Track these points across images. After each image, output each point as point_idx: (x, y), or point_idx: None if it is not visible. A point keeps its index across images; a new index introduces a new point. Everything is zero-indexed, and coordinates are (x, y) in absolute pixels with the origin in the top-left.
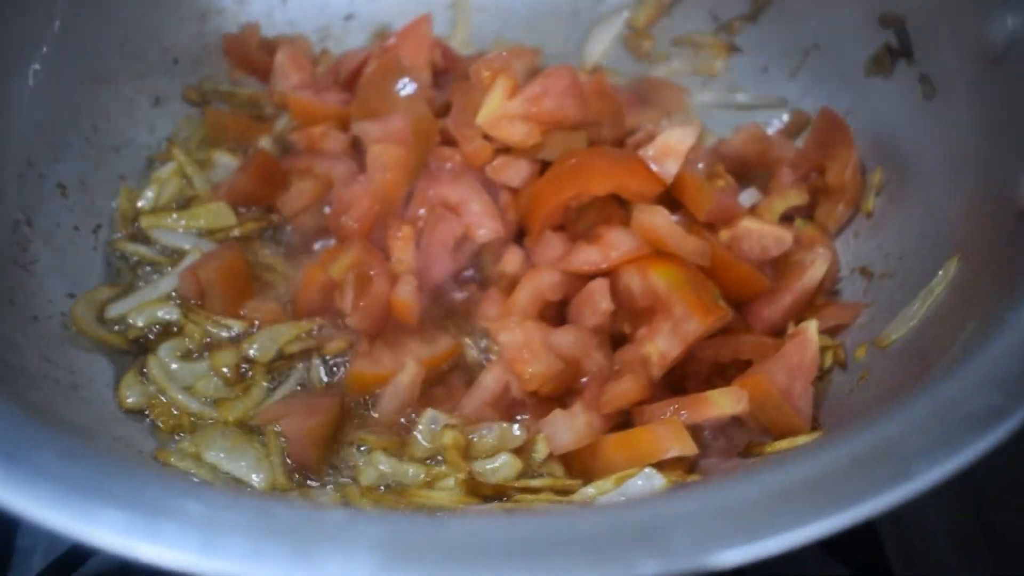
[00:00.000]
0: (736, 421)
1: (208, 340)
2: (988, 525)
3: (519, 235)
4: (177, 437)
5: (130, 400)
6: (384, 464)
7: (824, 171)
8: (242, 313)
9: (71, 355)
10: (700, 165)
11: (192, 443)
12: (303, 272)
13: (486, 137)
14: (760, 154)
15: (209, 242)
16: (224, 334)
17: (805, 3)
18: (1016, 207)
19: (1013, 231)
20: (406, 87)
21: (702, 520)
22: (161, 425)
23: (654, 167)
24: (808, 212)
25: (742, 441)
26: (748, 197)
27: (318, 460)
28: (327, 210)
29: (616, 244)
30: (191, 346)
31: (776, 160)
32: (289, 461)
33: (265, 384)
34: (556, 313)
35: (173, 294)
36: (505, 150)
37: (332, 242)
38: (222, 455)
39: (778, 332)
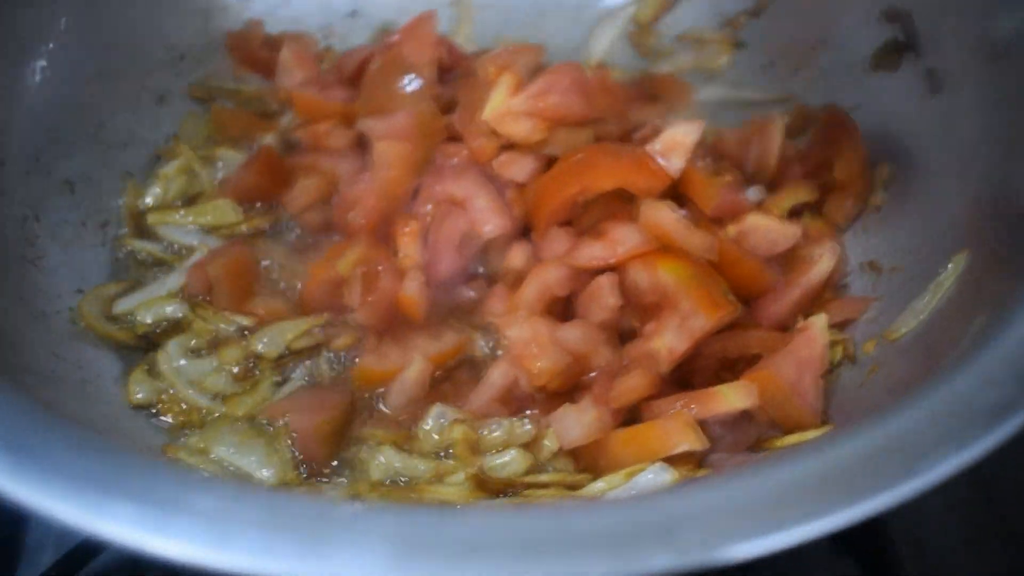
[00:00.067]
0: (745, 416)
1: (215, 336)
2: (999, 520)
3: (525, 231)
4: (185, 433)
5: (138, 396)
6: (392, 459)
7: (831, 166)
8: (249, 309)
9: (79, 351)
10: (706, 160)
11: (201, 438)
12: (309, 268)
13: (492, 133)
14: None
15: (215, 238)
16: (231, 330)
17: None
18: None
19: (1022, 224)
20: (411, 84)
21: (714, 514)
22: (170, 420)
23: (660, 162)
24: (816, 207)
25: (751, 436)
26: (751, 195)
27: (327, 455)
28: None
29: (623, 239)
30: (199, 342)
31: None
32: (298, 456)
33: (273, 380)
34: (563, 308)
35: (180, 290)
36: (510, 146)
37: (338, 238)
38: (231, 450)
39: (786, 327)
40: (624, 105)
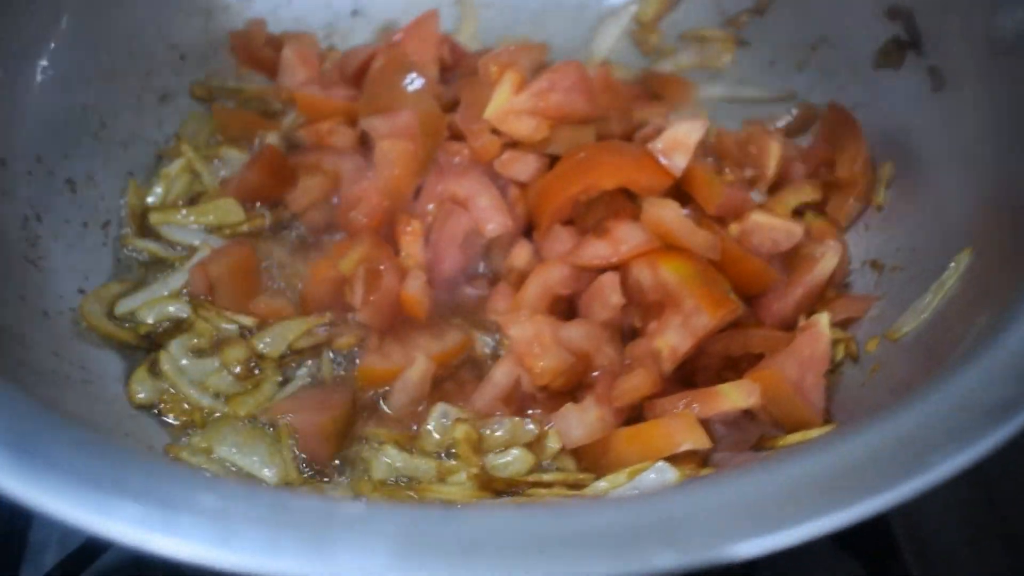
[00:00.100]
0: (748, 415)
1: (218, 336)
2: (1001, 520)
3: (528, 230)
4: (188, 433)
5: (140, 396)
6: (395, 459)
7: (834, 165)
8: (251, 309)
9: (81, 351)
10: (709, 158)
11: (203, 438)
12: (312, 267)
13: (494, 132)
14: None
15: (218, 238)
16: (234, 330)
17: None
18: None
19: None
20: (414, 82)
21: (716, 514)
22: (172, 420)
23: (663, 161)
24: (818, 205)
25: (754, 435)
26: (753, 195)
27: (329, 455)
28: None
29: (626, 238)
30: (201, 342)
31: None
32: (300, 456)
33: (276, 379)
34: (566, 307)
35: (183, 290)
36: (513, 145)
37: (341, 237)
38: (233, 450)
39: (789, 326)
40: (627, 104)
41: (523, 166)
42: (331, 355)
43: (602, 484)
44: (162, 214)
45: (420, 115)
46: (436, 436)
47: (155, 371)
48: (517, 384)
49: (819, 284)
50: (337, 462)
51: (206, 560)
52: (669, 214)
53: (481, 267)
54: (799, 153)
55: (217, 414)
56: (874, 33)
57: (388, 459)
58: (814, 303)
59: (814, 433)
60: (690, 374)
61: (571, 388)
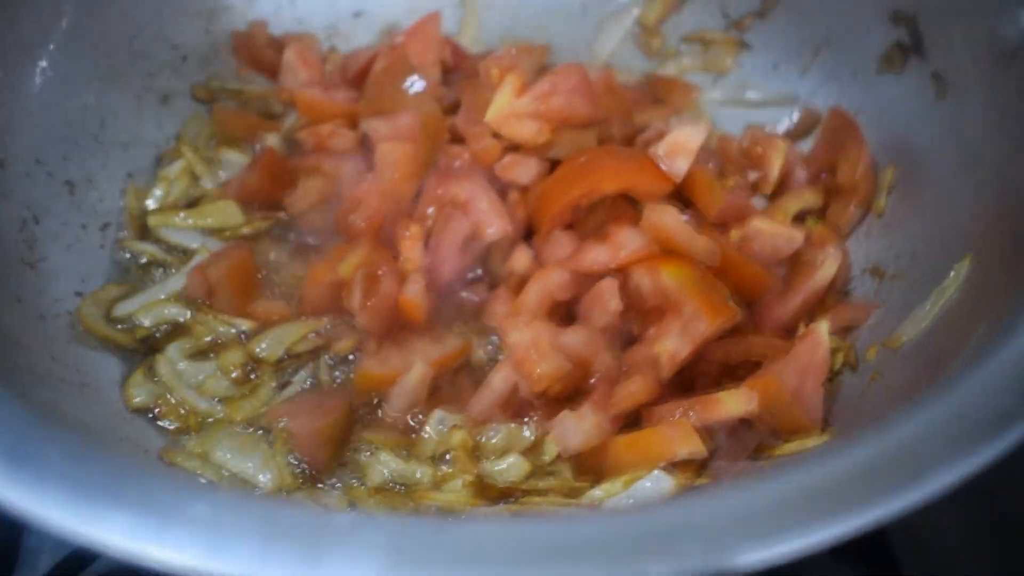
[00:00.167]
0: (746, 422)
1: (216, 339)
2: (999, 525)
3: (528, 234)
4: (184, 437)
5: (137, 399)
6: (392, 464)
7: (835, 170)
8: (250, 312)
9: (78, 354)
10: (711, 163)
11: (199, 442)
12: (311, 271)
13: (495, 135)
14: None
15: (217, 241)
16: (232, 333)
17: (816, 0)
18: None
19: None
20: (415, 85)
21: (714, 524)
22: (168, 425)
23: (664, 166)
24: (819, 211)
25: (752, 442)
26: (754, 201)
27: (326, 460)
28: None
29: (625, 243)
30: (199, 345)
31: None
32: (296, 461)
33: (273, 384)
34: (565, 312)
35: (181, 293)
36: (514, 148)
37: (340, 240)
38: (229, 455)
39: (788, 332)
40: (628, 107)
41: (524, 170)
42: (329, 359)
43: (598, 492)
44: (161, 216)
45: (421, 118)
46: (433, 442)
47: (152, 375)
48: (515, 390)
49: (819, 291)
50: (334, 467)
51: (198, 570)
52: (669, 219)
53: (480, 271)
54: (800, 158)
55: (213, 419)
56: (877, 38)
57: (384, 465)
58: (814, 310)
59: (812, 442)
60: (688, 380)
61: (569, 394)
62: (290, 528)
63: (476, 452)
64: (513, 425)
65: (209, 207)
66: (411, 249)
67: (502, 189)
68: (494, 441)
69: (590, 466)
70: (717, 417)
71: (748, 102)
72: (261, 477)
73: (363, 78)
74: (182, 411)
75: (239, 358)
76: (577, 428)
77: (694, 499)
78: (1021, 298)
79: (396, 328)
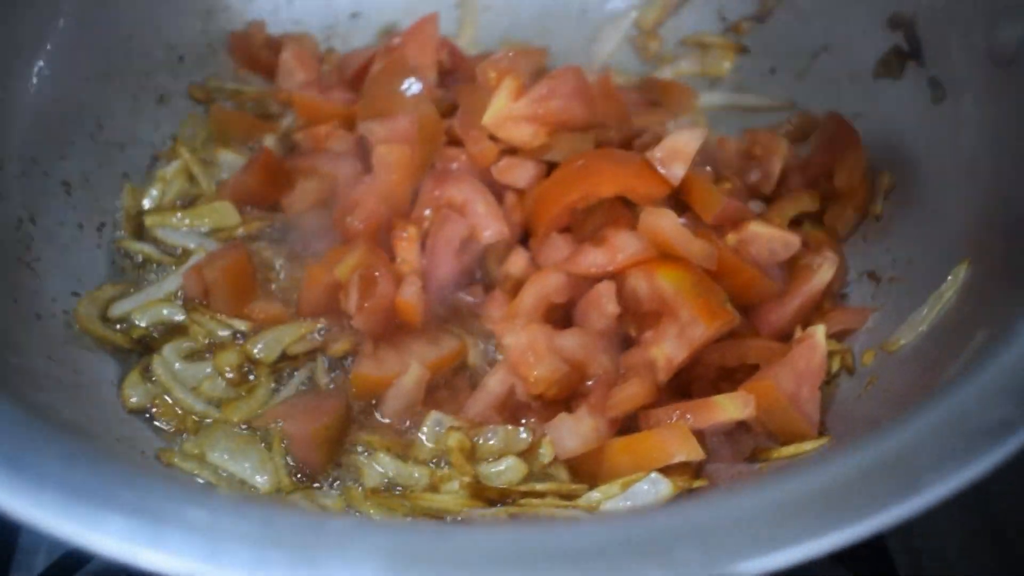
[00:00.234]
0: (742, 426)
1: (212, 340)
2: (996, 527)
3: (525, 237)
4: (181, 437)
5: (133, 400)
6: (388, 466)
7: (832, 175)
8: (246, 313)
9: (74, 354)
10: (708, 167)
11: (196, 444)
12: (307, 272)
13: (492, 138)
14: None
15: (214, 241)
16: (228, 334)
17: (813, 4)
18: None
19: None
20: (412, 87)
21: (712, 532)
22: (165, 425)
23: (661, 169)
24: (816, 215)
25: (748, 446)
26: (751, 205)
27: (323, 462)
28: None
29: (622, 247)
30: (196, 346)
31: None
32: (292, 462)
33: (270, 385)
34: (562, 315)
35: (177, 293)
36: (511, 151)
37: (337, 241)
38: (226, 456)
39: (785, 336)
40: (626, 111)
41: (521, 173)
42: (325, 361)
43: (595, 494)
44: (158, 216)
45: (418, 120)
46: (429, 444)
47: (148, 375)
48: (511, 392)
49: (816, 295)
50: (330, 469)
51: (195, 575)
52: (666, 223)
53: (477, 274)
54: (798, 162)
55: (210, 419)
56: (875, 43)
57: (380, 467)
58: (811, 314)
59: (808, 446)
60: (685, 384)
61: (565, 397)
62: (287, 533)
63: (473, 454)
64: (510, 427)
65: (205, 208)
66: (408, 251)
67: (499, 192)
68: (491, 443)
69: (586, 469)
70: (714, 421)
71: (745, 106)
72: (258, 478)
73: (361, 79)
74: (179, 412)
75: (235, 359)
76: (574, 431)
77: (693, 504)
78: (1020, 303)
79: (392, 330)
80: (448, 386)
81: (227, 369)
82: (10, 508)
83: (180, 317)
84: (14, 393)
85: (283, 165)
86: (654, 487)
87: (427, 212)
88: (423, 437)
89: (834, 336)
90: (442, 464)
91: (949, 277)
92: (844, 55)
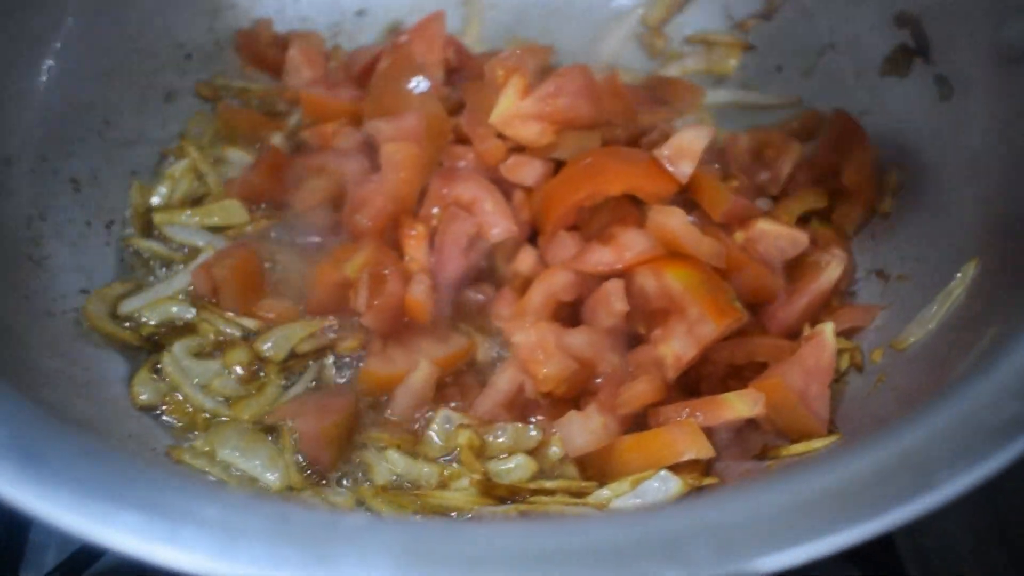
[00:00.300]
0: (751, 424)
1: (221, 338)
2: (1004, 526)
3: (532, 235)
4: (191, 435)
5: (143, 397)
6: (398, 463)
7: (839, 172)
8: (255, 311)
9: (84, 351)
10: (715, 165)
11: (206, 441)
12: (316, 271)
13: (500, 136)
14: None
15: (222, 239)
16: (237, 332)
17: (820, 1)
18: None
19: None
20: (419, 85)
21: (724, 530)
22: (175, 422)
23: (669, 167)
24: (824, 213)
25: (757, 444)
26: (759, 203)
27: (332, 459)
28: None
29: (630, 245)
30: (205, 344)
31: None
32: (302, 460)
33: (279, 383)
34: (570, 313)
35: (186, 291)
36: (519, 149)
37: (346, 239)
38: (236, 453)
39: (794, 334)
40: (632, 109)
41: (528, 171)
42: (334, 359)
43: (605, 492)
44: (166, 214)
45: (425, 118)
46: (439, 441)
47: (158, 373)
48: (520, 390)
49: (824, 293)
50: (340, 467)
51: (208, 571)
52: (674, 221)
53: (485, 272)
54: (805, 160)
55: (221, 417)
56: (882, 40)
57: (390, 464)
58: (819, 312)
59: (818, 443)
60: (694, 382)
61: (574, 395)
62: (300, 529)
63: (482, 452)
64: (519, 425)
65: (214, 205)
66: (416, 249)
67: (507, 190)
68: (500, 441)
69: (596, 467)
70: (724, 419)
71: (752, 104)
72: (268, 475)
73: (367, 76)
74: (188, 409)
75: (244, 357)
76: (583, 429)
77: (704, 502)
78: None
79: (401, 328)
80: (457, 384)
81: (236, 367)
82: (25, 504)
83: (189, 315)
84: (25, 390)
85: (290, 163)
86: (664, 485)
87: (435, 210)
88: (433, 435)
89: (843, 334)
90: (452, 462)
91: (958, 275)
92: (851, 52)
